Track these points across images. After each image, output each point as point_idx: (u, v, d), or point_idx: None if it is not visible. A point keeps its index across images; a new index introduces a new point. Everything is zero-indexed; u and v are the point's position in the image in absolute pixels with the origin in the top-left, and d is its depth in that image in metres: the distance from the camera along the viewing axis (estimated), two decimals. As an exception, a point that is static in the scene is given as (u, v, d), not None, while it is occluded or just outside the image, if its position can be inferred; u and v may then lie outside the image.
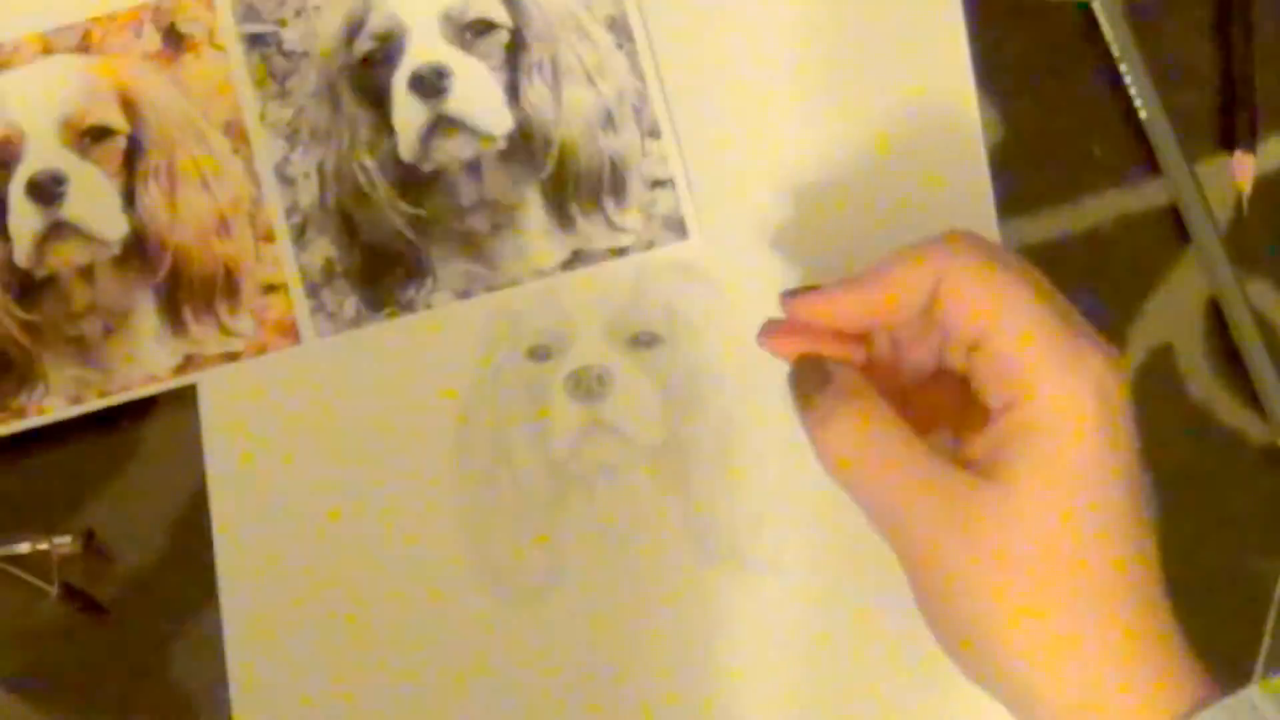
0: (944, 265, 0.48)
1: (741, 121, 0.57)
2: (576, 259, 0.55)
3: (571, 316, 0.55)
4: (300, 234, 0.55)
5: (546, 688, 0.54)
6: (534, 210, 0.55)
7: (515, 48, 0.56)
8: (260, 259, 0.55)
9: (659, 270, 0.56)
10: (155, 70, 0.56)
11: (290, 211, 0.55)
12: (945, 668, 0.48)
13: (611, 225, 0.55)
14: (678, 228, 0.55)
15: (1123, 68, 0.57)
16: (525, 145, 0.56)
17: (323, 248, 0.55)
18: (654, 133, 0.56)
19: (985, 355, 0.47)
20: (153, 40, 0.56)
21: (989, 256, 0.48)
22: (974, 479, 0.47)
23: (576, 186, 0.55)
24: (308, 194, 0.55)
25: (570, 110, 0.56)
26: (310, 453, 0.55)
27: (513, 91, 0.56)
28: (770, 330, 0.50)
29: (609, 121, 0.56)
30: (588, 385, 0.55)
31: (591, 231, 0.55)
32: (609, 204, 0.55)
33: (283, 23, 0.56)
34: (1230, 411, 0.57)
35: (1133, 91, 0.57)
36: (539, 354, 0.55)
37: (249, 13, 0.56)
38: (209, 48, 0.56)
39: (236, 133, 0.56)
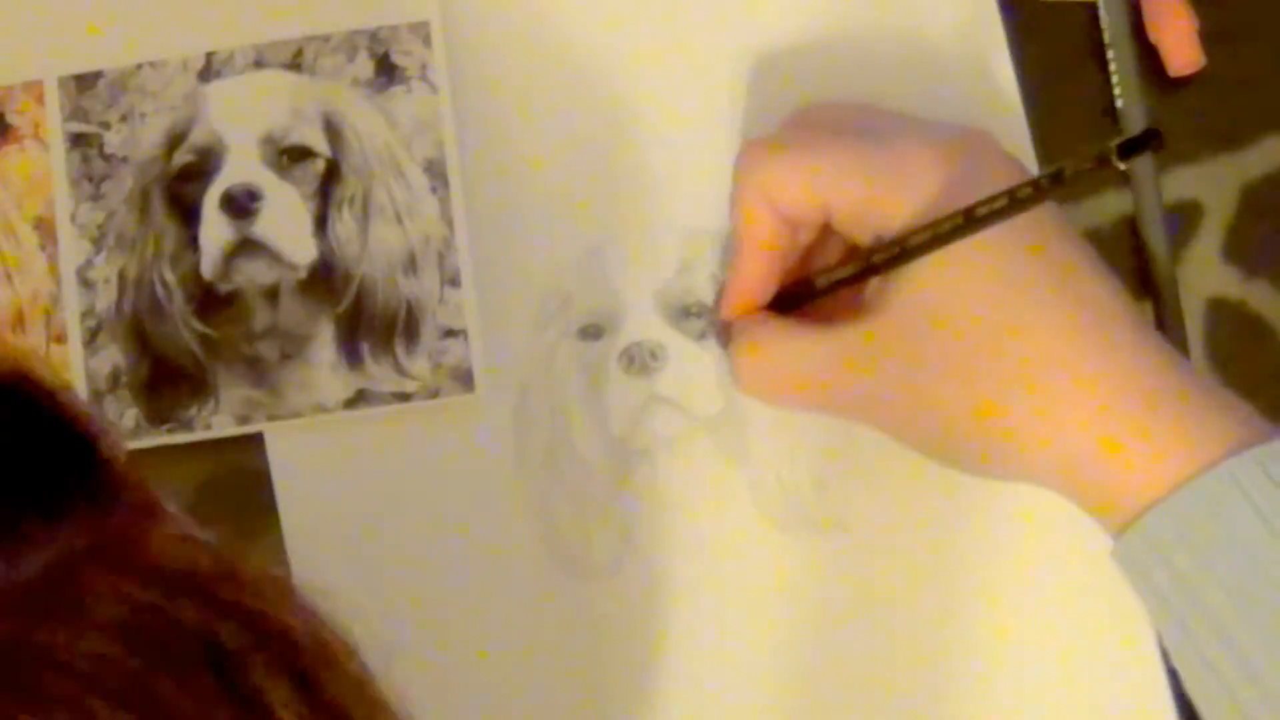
0: (761, 186, 0.50)
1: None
2: (360, 399, 0.55)
3: (620, 292, 0.55)
4: (91, 339, 0.55)
5: (621, 662, 0.54)
6: (325, 345, 0.55)
7: (329, 178, 0.55)
8: (50, 359, 0.55)
9: (703, 242, 0.55)
10: (-24, 158, 0.56)
11: (86, 315, 0.55)
12: (1023, 612, 0.50)
13: (399, 370, 0.54)
14: (465, 379, 0.54)
15: (1112, 66, 0.56)
16: (325, 278, 0.55)
17: (112, 355, 0.55)
18: (454, 281, 0.55)
19: (844, 223, 0.50)
20: (-22, 128, 0.56)
21: (778, 149, 0.51)
22: (863, 318, 0.49)
23: (370, 326, 0.55)
24: (105, 299, 0.55)
25: (375, 248, 0.55)
26: (370, 446, 0.55)
27: (321, 222, 0.55)
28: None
29: (411, 264, 0.55)
30: (642, 360, 0.54)
31: (378, 373, 0.55)
32: (400, 348, 0.55)
33: (107, 125, 0.56)
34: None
35: (1116, 86, 0.56)
36: (591, 333, 0.55)
37: (77, 111, 0.56)
38: (33, 141, 0.56)
39: (46, 229, 0.56)
